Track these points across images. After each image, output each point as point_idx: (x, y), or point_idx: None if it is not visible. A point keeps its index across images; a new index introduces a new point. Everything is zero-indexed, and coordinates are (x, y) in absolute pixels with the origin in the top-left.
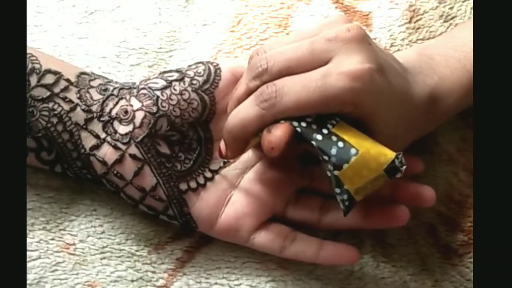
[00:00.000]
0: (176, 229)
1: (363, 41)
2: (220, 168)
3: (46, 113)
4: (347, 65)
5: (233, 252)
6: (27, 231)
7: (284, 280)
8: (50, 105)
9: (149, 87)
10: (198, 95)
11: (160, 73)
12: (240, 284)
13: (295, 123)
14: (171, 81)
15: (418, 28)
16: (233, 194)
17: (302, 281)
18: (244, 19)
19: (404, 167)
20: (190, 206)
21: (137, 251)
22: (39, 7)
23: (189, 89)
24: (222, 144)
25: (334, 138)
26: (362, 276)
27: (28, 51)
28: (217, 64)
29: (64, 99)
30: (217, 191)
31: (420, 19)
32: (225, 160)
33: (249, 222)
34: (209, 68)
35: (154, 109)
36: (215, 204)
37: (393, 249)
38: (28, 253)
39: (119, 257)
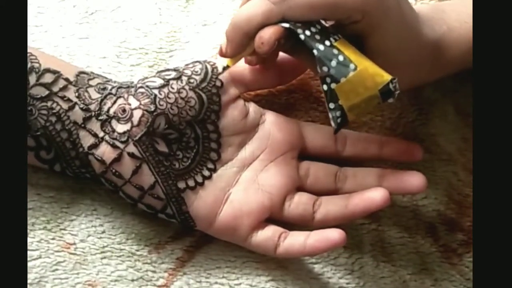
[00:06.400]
0: (176, 229)
1: None
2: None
3: (44, 112)
4: None
5: (233, 251)
6: (28, 231)
7: (284, 279)
8: (49, 104)
9: (147, 86)
10: (196, 93)
11: (158, 72)
12: (240, 284)
13: (300, 31)
14: (168, 80)
15: None
16: (231, 192)
17: (302, 280)
18: None
19: (398, 92)
20: (188, 205)
21: (137, 250)
22: (40, 7)
23: (187, 87)
24: (223, 42)
25: (335, 51)
26: (362, 275)
27: (27, 50)
28: (214, 63)
29: (62, 98)
30: (215, 190)
31: None
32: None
33: (247, 221)
34: (206, 67)
35: (152, 107)
36: (214, 203)
37: (392, 249)
38: (28, 252)
39: (120, 256)
